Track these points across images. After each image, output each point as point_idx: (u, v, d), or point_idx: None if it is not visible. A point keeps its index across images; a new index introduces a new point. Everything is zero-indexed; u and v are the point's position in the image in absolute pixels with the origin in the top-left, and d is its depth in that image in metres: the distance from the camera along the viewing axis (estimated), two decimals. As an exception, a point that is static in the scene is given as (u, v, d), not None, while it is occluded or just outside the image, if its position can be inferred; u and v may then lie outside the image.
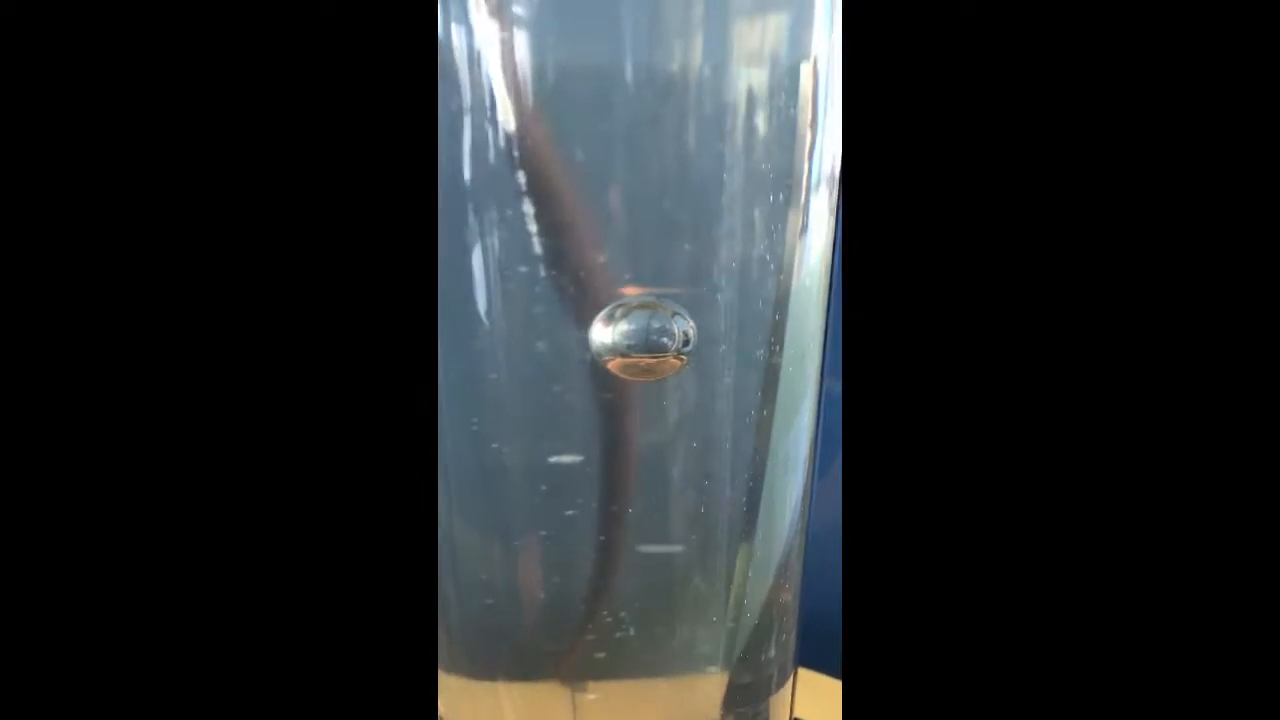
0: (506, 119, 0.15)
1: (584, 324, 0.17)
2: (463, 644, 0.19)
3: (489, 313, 0.16)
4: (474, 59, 0.15)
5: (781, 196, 0.17)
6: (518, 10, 0.15)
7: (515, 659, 0.19)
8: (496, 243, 0.16)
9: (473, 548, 0.18)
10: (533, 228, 0.16)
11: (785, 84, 0.16)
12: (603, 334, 0.17)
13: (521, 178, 0.16)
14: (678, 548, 0.18)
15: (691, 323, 0.17)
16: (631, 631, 0.18)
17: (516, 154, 0.16)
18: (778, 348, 0.18)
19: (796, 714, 0.22)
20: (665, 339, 0.17)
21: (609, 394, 0.17)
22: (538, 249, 0.16)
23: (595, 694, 0.19)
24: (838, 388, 0.21)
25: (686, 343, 0.17)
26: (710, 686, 0.19)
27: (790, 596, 0.20)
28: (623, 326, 0.17)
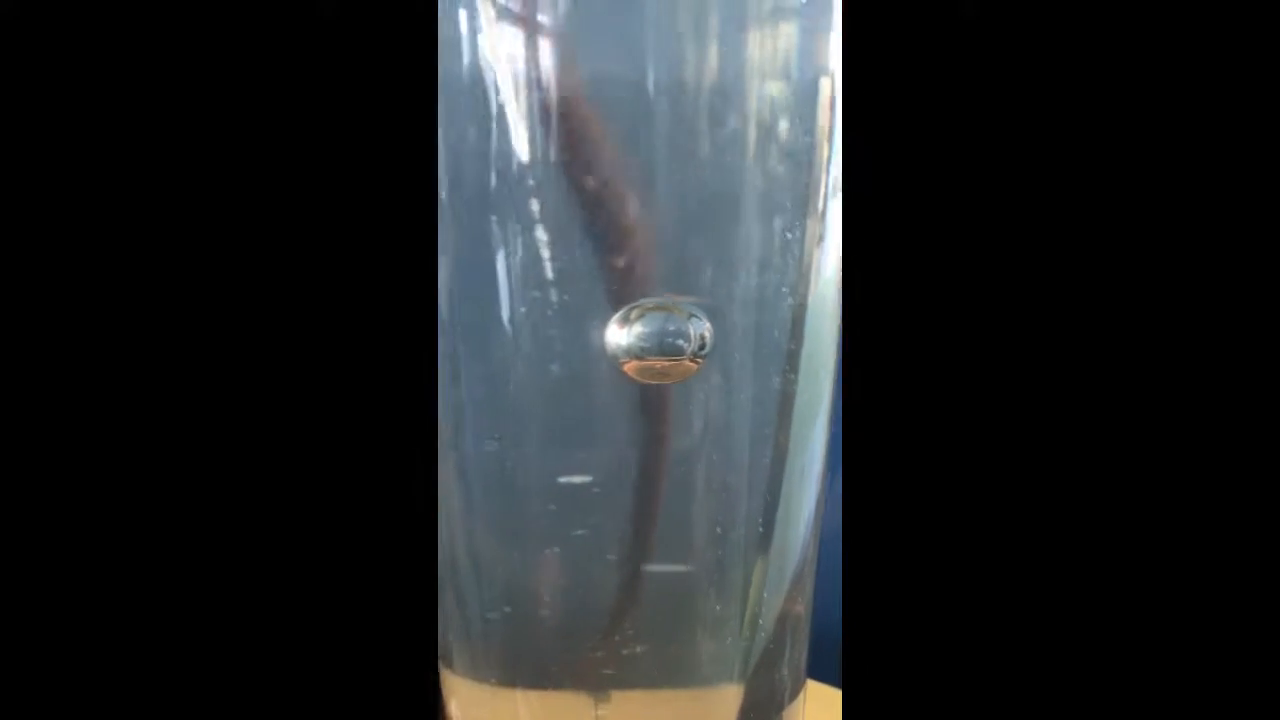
0: (535, 122, 0.15)
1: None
2: (482, 650, 0.19)
3: (511, 322, 0.16)
4: (497, 64, 0.15)
5: (800, 207, 0.17)
6: (543, 20, 0.15)
7: (535, 667, 0.18)
8: (520, 253, 0.16)
9: (493, 555, 0.18)
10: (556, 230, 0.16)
11: (802, 98, 0.16)
12: (618, 335, 0.17)
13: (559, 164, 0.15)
14: (692, 567, 0.18)
15: (709, 325, 0.17)
16: (638, 650, 0.18)
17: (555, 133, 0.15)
18: (796, 355, 0.18)
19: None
20: (681, 341, 0.17)
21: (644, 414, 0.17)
22: (558, 261, 0.16)
23: (612, 704, 0.19)
24: (838, 399, 0.21)
25: (703, 346, 0.17)
26: (725, 699, 0.19)
27: (803, 609, 0.20)
28: (638, 328, 0.17)
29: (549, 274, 0.16)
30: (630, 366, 0.17)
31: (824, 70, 0.16)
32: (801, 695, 0.21)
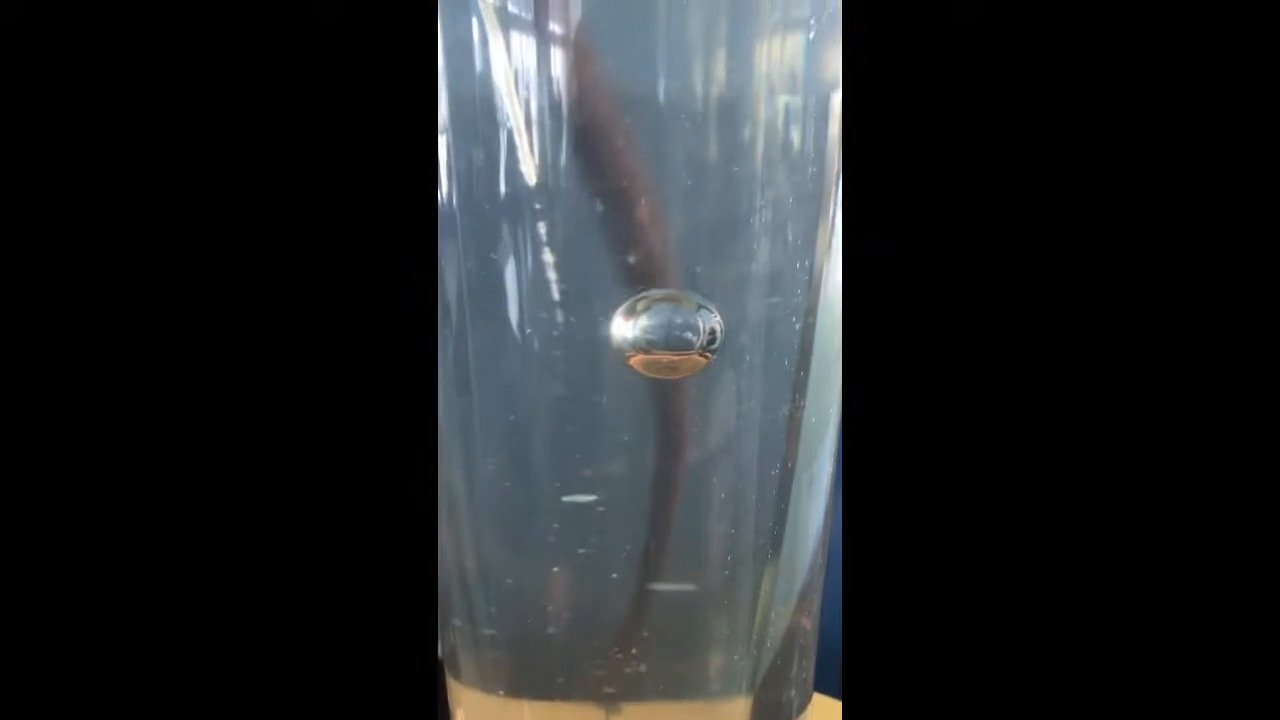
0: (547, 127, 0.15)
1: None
2: (490, 662, 0.19)
3: (519, 326, 0.16)
4: (514, 78, 0.15)
5: (812, 209, 0.17)
6: (556, 29, 0.15)
7: (542, 680, 0.18)
8: (529, 264, 0.16)
9: (500, 567, 0.18)
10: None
11: (817, 108, 0.16)
12: (624, 328, 0.16)
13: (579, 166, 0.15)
14: (698, 586, 0.18)
15: (719, 318, 0.16)
16: (643, 668, 0.18)
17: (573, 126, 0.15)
18: (805, 374, 0.17)
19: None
20: (689, 334, 0.16)
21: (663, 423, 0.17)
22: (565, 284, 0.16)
23: (623, 716, 0.18)
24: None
25: (713, 339, 0.16)
26: (733, 714, 0.19)
27: (810, 623, 0.20)
28: (644, 321, 0.16)
29: (555, 295, 0.16)
30: (637, 360, 0.16)
31: (834, 82, 0.16)
32: (809, 708, 0.20)
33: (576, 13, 0.15)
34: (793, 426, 0.17)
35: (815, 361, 0.17)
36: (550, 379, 0.16)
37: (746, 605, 0.18)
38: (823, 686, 0.21)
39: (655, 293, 0.16)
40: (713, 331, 0.16)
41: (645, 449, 0.17)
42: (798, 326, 0.17)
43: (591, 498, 0.17)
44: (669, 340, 0.16)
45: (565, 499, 0.17)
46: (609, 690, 0.18)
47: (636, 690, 0.18)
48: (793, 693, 0.20)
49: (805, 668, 0.20)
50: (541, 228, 0.16)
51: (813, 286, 0.17)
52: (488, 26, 0.15)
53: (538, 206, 0.16)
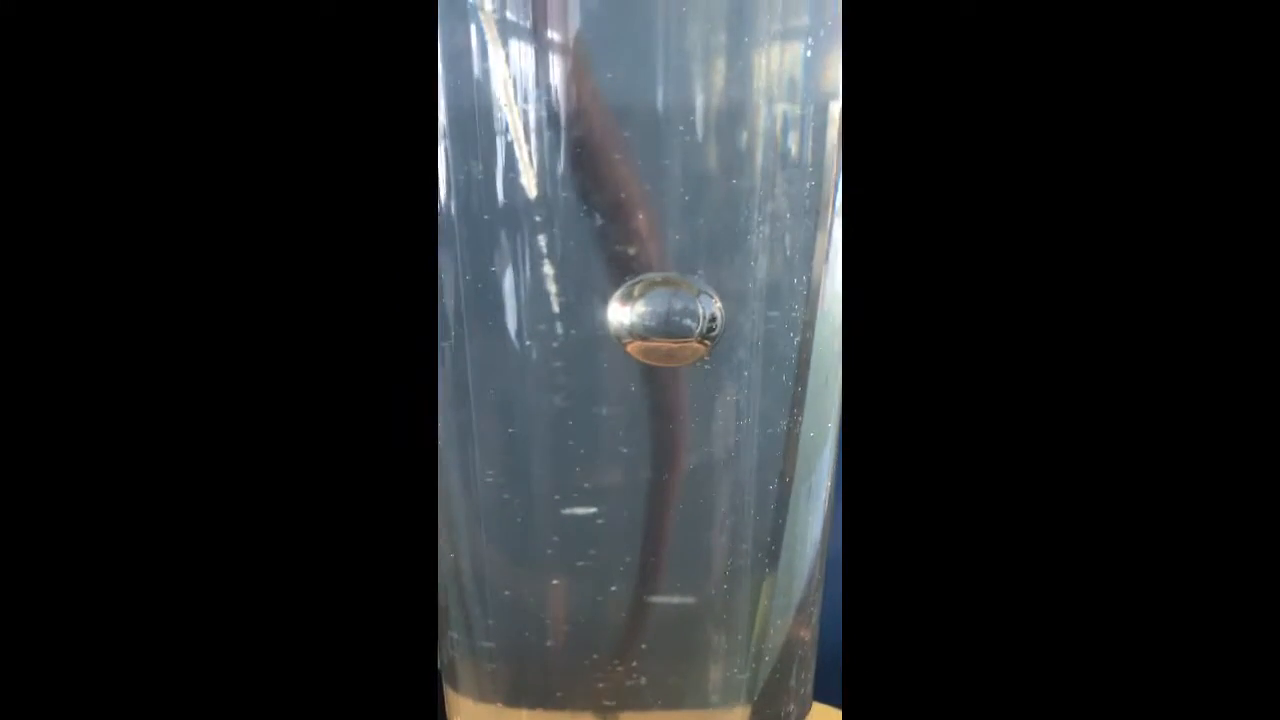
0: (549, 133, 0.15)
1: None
2: (488, 673, 0.18)
3: (518, 337, 0.16)
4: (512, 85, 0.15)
5: (810, 222, 0.16)
6: (554, 37, 0.15)
7: (541, 690, 0.18)
8: (528, 273, 0.16)
9: (500, 577, 0.18)
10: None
11: (815, 118, 0.16)
12: (619, 313, 0.16)
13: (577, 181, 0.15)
14: (696, 598, 0.18)
15: (719, 303, 0.16)
16: (643, 681, 0.18)
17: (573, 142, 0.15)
18: (803, 386, 0.17)
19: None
20: (689, 321, 0.16)
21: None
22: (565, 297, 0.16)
23: None
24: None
25: (713, 326, 0.16)
26: None
27: (809, 634, 0.19)
28: (640, 307, 0.15)
29: (555, 308, 0.16)
30: (634, 347, 0.16)
31: (833, 92, 0.16)
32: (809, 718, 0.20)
33: (575, 23, 0.15)
34: (790, 441, 0.17)
35: (813, 375, 0.17)
36: (549, 391, 0.16)
37: (745, 618, 0.18)
38: (823, 696, 0.21)
39: (653, 276, 0.16)
40: (713, 318, 0.16)
41: (645, 461, 0.17)
42: (796, 340, 0.17)
43: (591, 510, 0.17)
44: (668, 327, 0.15)
45: (565, 512, 0.17)
46: (609, 703, 0.18)
47: (635, 702, 0.18)
48: (791, 706, 0.19)
49: (804, 679, 0.20)
50: (541, 240, 0.15)
51: (810, 300, 0.17)
52: (487, 37, 0.15)
53: (537, 219, 0.15)
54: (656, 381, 0.16)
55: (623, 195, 0.15)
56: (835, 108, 0.16)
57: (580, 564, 0.17)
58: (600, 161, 0.15)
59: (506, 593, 0.17)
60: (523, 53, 0.15)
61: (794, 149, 0.16)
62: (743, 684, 0.18)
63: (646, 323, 0.15)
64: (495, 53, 0.15)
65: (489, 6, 0.15)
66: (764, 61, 0.15)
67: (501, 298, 0.16)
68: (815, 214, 0.16)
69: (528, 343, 0.16)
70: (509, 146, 0.15)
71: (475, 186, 0.16)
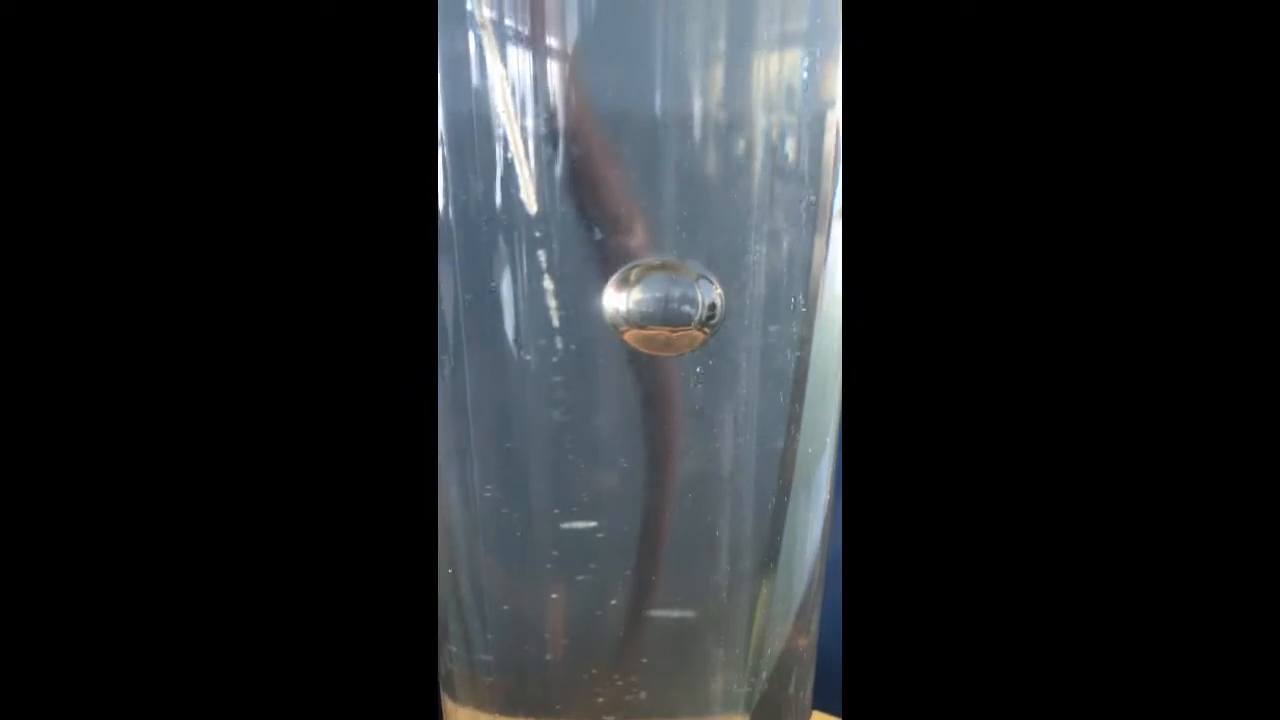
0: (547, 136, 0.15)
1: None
2: (486, 685, 0.18)
3: (518, 344, 0.16)
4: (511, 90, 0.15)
5: (809, 223, 0.16)
6: (552, 43, 0.15)
7: (539, 702, 0.18)
8: (526, 281, 0.16)
9: (498, 591, 0.18)
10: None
11: (812, 123, 0.16)
12: (616, 300, 0.15)
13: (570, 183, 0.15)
14: (695, 612, 0.18)
15: (719, 290, 0.15)
16: (642, 695, 0.18)
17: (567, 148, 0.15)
18: (800, 400, 0.17)
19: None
20: (687, 308, 0.15)
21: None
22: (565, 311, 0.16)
23: None
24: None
25: (713, 313, 0.15)
26: None
27: (807, 643, 0.19)
28: (638, 294, 0.15)
29: (555, 322, 0.16)
30: (630, 336, 0.15)
31: (833, 103, 0.16)
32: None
33: (573, 33, 0.15)
34: (788, 457, 0.17)
35: (810, 390, 0.17)
36: (549, 405, 0.16)
37: (743, 630, 0.18)
38: (824, 705, 0.21)
39: (650, 260, 0.15)
40: (713, 305, 0.15)
41: (643, 471, 0.17)
42: (793, 356, 0.17)
43: (591, 524, 0.16)
44: (667, 314, 0.15)
45: (564, 526, 0.16)
46: (608, 717, 0.18)
47: (634, 713, 0.18)
48: (790, 715, 0.19)
49: (803, 688, 0.19)
50: (541, 255, 0.15)
51: (808, 314, 0.17)
52: (485, 47, 0.15)
53: (536, 234, 0.15)
54: (649, 373, 0.16)
55: (621, 211, 0.15)
56: (833, 116, 0.16)
57: (580, 578, 0.17)
58: (597, 177, 0.15)
59: (505, 607, 0.17)
60: (520, 60, 0.15)
61: (792, 157, 0.16)
62: (741, 695, 0.18)
63: (644, 310, 0.15)
64: (493, 61, 0.15)
65: (487, 15, 0.15)
66: (762, 70, 0.15)
67: (500, 311, 0.16)
68: (814, 224, 0.16)
69: (527, 356, 0.16)
70: (508, 161, 0.15)
71: (474, 199, 0.16)
